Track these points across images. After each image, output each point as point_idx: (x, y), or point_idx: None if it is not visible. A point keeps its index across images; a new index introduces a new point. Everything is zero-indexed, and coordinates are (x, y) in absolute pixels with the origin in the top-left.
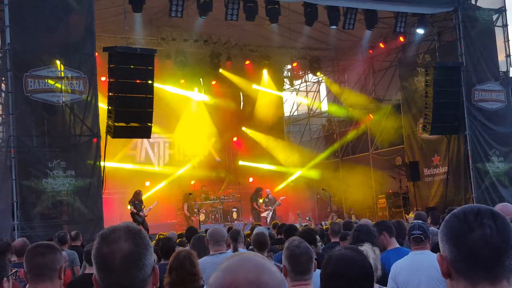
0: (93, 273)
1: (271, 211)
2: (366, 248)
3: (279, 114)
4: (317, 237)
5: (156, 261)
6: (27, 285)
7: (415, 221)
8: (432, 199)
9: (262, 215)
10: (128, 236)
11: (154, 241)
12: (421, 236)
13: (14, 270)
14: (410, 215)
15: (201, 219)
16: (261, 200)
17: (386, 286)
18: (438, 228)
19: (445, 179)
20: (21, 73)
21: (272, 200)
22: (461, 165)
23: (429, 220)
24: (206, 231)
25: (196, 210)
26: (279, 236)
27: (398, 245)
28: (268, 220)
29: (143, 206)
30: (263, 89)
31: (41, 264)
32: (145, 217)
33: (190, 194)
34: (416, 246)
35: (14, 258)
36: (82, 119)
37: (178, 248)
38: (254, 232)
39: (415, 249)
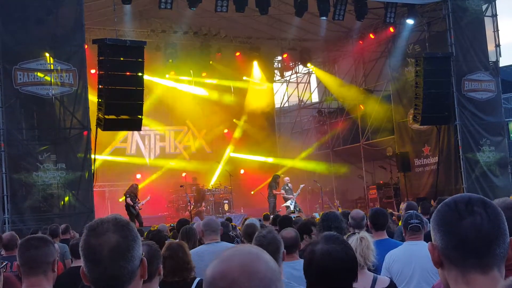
0: (79, 266)
1: (293, 200)
2: (364, 234)
3: (269, 105)
4: (313, 228)
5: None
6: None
7: (411, 211)
8: (423, 190)
9: (283, 205)
10: (116, 228)
11: (146, 233)
12: (419, 225)
13: (4, 263)
14: (401, 206)
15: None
16: (283, 190)
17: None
18: (428, 219)
19: (435, 170)
20: (10, 66)
21: (292, 188)
22: (451, 155)
23: (419, 211)
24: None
25: (197, 204)
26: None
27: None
28: (291, 210)
29: (137, 200)
30: (254, 81)
31: (34, 257)
32: (139, 211)
33: (181, 186)
34: (413, 236)
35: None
36: (72, 112)
37: (169, 241)
38: (245, 223)
39: (410, 239)
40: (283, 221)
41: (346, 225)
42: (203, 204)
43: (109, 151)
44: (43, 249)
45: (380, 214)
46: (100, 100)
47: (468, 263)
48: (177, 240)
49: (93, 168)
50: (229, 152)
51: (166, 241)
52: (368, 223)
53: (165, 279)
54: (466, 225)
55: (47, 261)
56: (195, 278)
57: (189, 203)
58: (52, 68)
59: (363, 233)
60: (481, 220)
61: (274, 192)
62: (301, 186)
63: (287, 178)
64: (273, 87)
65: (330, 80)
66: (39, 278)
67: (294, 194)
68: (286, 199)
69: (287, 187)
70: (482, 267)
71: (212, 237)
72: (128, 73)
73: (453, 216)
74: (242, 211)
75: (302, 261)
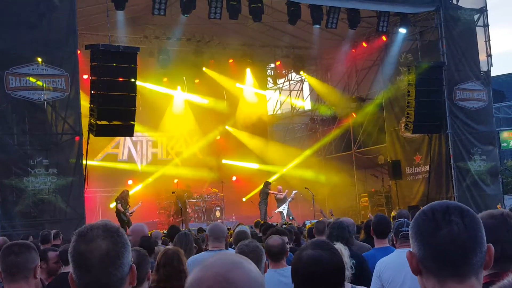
0: (69, 272)
1: (285, 209)
2: (339, 246)
3: (262, 112)
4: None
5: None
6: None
7: (401, 219)
8: (414, 198)
9: (275, 211)
10: (106, 234)
11: None
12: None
13: None
14: (392, 214)
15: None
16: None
17: (362, 285)
18: None
19: (427, 178)
20: (2, 70)
21: (285, 196)
22: (442, 164)
23: (410, 219)
24: (189, 230)
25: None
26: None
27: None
28: (285, 216)
29: (128, 206)
30: (247, 88)
31: (15, 263)
32: (129, 217)
33: (173, 192)
34: (404, 243)
35: None
36: (64, 117)
37: (160, 247)
38: (235, 230)
39: (401, 247)
40: (267, 229)
41: (349, 235)
42: (188, 208)
43: (101, 156)
44: (24, 255)
45: (384, 222)
46: (92, 105)
47: (445, 273)
48: (174, 247)
49: (84, 173)
50: (221, 158)
51: (156, 247)
52: (371, 230)
53: (158, 284)
54: (443, 236)
55: (28, 267)
56: None
57: (181, 210)
58: (44, 73)
59: (339, 245)
60: (458, 230)
61: (269, 192)
62: (294, 192)
63: (279, 187)
64: (266, 94)
65: (322, 88)
66: (20, 285)
67: (287, 200)
68: (279, 204)
69: (279, 196)
70: (459, 276)
71: (214, 245)
72: (121, 79)
73: (430, 226)
74: (233, 218)
75: (290, 268)
